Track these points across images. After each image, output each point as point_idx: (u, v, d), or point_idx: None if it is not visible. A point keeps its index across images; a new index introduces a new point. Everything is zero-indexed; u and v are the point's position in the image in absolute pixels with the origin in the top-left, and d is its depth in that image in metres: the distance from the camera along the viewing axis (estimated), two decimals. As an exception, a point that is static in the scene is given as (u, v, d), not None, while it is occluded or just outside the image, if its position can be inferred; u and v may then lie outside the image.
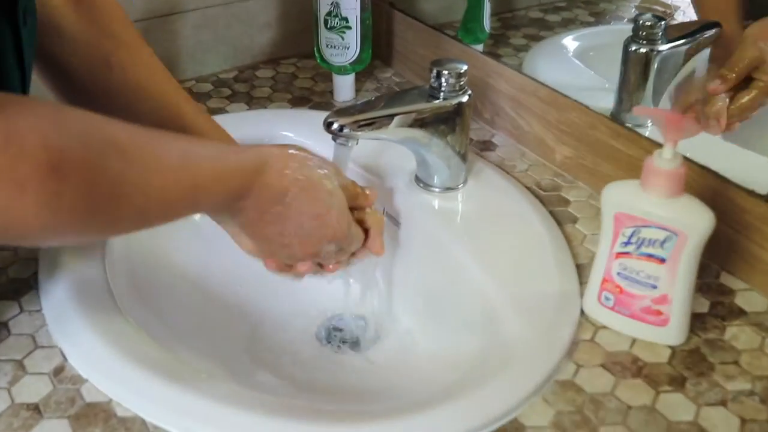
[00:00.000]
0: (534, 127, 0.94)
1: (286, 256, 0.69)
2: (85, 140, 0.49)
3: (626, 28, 0.91)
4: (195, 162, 0.59)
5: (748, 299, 0.74)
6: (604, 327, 0.70)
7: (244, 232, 0.67)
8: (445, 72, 0.79)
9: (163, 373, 0.63)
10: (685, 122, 0.61)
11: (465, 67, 0.80)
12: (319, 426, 0.59)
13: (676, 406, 0.63)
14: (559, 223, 0.83)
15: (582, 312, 0.71)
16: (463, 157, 0.84)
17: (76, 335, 0.67)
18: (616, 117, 0.89)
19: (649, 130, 0.85)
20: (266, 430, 0.59)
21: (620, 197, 0.67)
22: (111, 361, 0.64)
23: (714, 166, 0.76)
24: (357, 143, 0.76)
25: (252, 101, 1.08)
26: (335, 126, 0.74)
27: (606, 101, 0.91)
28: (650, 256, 0.66)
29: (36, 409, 0.62)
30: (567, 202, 0.87)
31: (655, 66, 0.89)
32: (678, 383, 0.65)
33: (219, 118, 1.00)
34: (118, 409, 0.62)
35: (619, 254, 0.67)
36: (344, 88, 1.08)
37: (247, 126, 0.95)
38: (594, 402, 0.63)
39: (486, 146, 0.98)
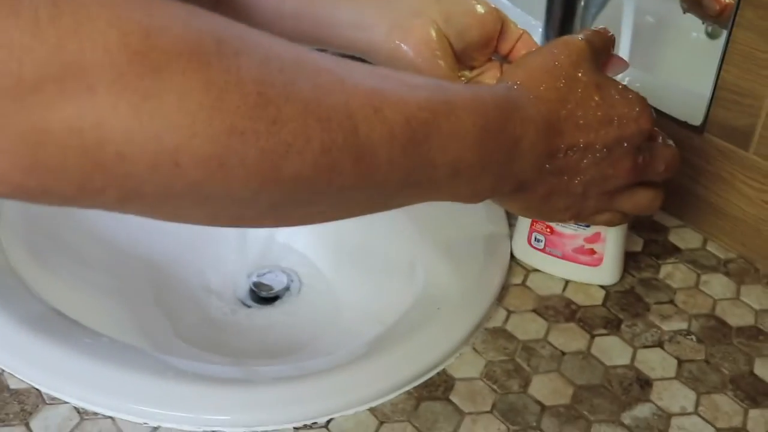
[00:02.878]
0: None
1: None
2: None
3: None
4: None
5: (681, 236, 0.71)
6: (536, 270, 0.67)
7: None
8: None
9: (61, 339, 0.57)
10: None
11: None
12: (242, 389, 0.55)
13: (612, 349, 0.60)
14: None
15: (512, 256, 0.68)
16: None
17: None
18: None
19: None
20: (182, 399, 0.54)
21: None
22: (1, 326, 0.58)
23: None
24: None
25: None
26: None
27: (536, 39, 0.87)
28: (582, 193, 0.62)
29: None
30: (495, 141, 0.83)
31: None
32: (613, 326, 0.62)
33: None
34: (11, 381, 0.56)
35: (550, 193, 0.64)
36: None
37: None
38: (526, 349, 0.60)
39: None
